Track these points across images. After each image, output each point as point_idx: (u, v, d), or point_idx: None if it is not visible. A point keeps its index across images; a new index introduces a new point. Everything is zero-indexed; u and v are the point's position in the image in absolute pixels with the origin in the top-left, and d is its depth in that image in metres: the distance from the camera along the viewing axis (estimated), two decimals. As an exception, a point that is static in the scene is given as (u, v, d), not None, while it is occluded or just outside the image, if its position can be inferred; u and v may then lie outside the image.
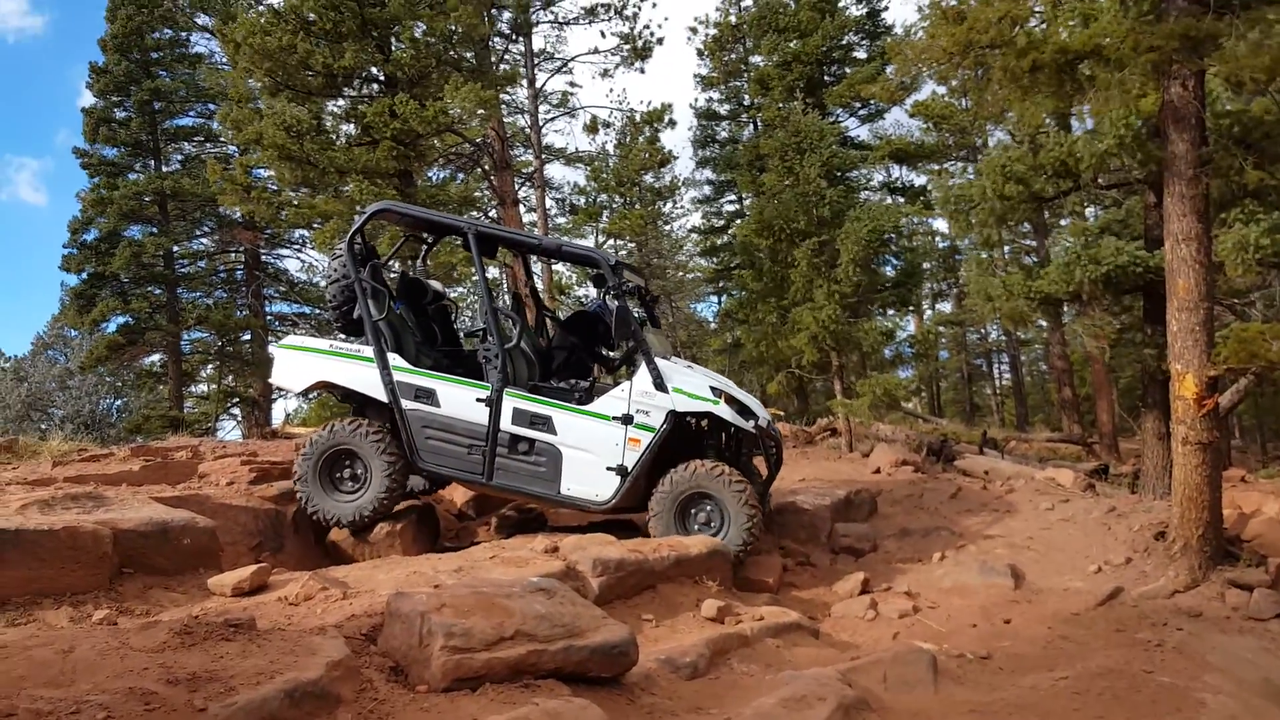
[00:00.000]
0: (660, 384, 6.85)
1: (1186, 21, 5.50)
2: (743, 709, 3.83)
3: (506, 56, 21.82)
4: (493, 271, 25.11)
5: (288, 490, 7.46)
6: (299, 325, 31.45)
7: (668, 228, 31.11)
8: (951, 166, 21.81)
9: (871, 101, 25.38)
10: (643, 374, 6.91)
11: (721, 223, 29.88)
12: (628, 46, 22.21)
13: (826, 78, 24.59)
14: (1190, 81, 5.94)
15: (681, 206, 32.17)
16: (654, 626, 5.18)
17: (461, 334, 8.69)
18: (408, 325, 7.62)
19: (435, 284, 8.64)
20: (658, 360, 6.95)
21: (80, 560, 4.52)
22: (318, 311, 30.97)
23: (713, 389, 6.94)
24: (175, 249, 29.65)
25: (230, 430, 31.98)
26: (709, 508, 6.80)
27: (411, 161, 13.49)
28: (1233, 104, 7.31)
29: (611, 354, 8.68)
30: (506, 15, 20.91)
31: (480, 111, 13.12)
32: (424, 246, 8.99)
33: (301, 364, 7.37)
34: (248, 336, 30.62)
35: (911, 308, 15.09)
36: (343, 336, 7.68)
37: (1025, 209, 11.25)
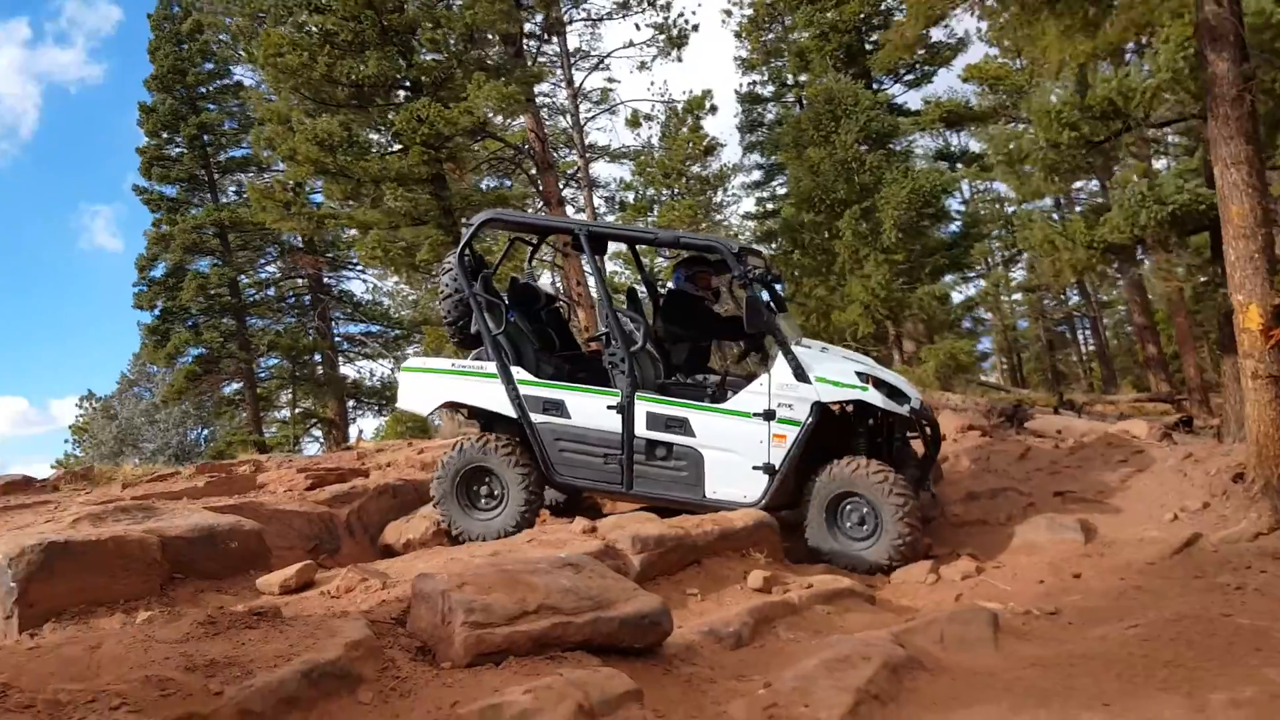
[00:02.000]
0: (801, 374, 6.42)
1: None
2: (783, 673, 3.71)
3: (541, 57, 21.87)
4: (545, 276, 25.15)
5: (340, 494, 7.56)
6: (365, 344, 32.12)
7: (719, 217, 30.83)
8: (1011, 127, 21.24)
9: (918, 65, 24.85)
10: (781, 365, 6.49)
11: (775, 207, 29.50)
12: (663, 37, 22.06)
13: (867, 46, 24.10)
14: (1229, -6, 5.61)
15: (733, 194, 31.87)
16: (699, 600, 5.08)
17: (579, 339, 8.50)
18: (524, 334, 7.44)
19: (546, 287, 8.54)
20: (797, 350, 6.57)
21: (130, 568, 4.60)
22: (384, 329, 31.57)
23: (858, 374, 6.49)
24: (241, 278, 30.51)
25: (313, 450, 32.74)
26: (864, 509, 6.40)
27: (443, 165, 13.57)
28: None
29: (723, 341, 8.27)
30: (539, 17, 20.97)
31: (508, 108, 13.11)
32: (529, 250, 8.88)
33: (426, 386, 7.29)
34: (318, 359, 31.35)
35: (970, 271, 14.66)
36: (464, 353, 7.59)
37: (1078, 155, 10.82)
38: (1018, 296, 36.69)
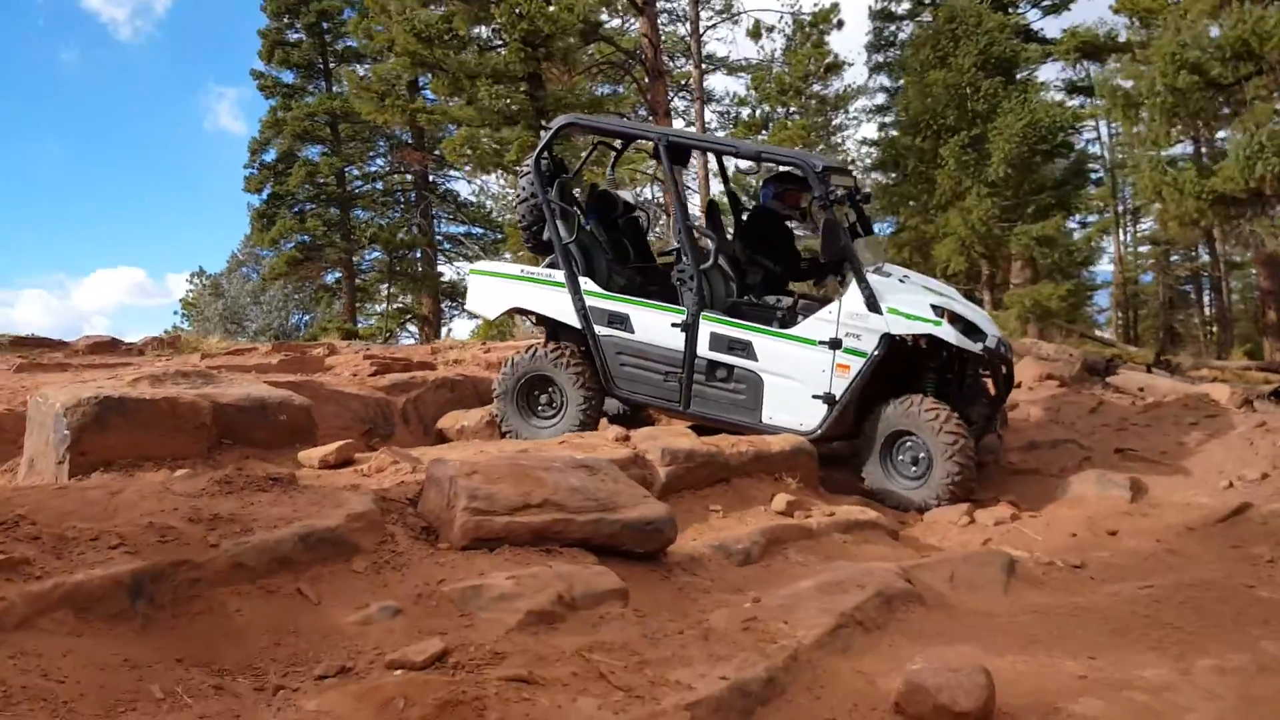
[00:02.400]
0: (873, 304, 6.23)
1: None
2: (777, 590, 3.78)
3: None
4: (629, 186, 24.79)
5: (399, 383, 7.81)
6: (465, 244, 32.57)
7: (835, 139, 29.72)
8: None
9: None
10: (853, 292, 6.31)
11: (897, 133, 28.23)
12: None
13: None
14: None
15: (854, 117, 30.54)
16: (721, 517, 5.15)
17: (655, 250, 8.42)
18: (599, 243, 7.44)
19: (626, 195, 8.47)
20: (870, 276, 6.36)
21: (180, 429, 4.88)
22: (485, 232, 31.91)
23: (934, 307, 6.27)
24: (349, 170, 31.12)
25: (408, 344, 33.79)
26: (918, 448, 6.29)
27: (541, 65, 13.50)
28: None
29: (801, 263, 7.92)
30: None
31: (613, 6, 12.89)
32: (612, 156, 8.81)
33: (494, 290, 7.36)
34: (418, 255, 31.93)
35: (1081, 214, 13.99)
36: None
37: (1200, 98, 10.14)
38: (1145, 249, 34.86)
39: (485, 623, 2.82)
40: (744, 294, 7.29)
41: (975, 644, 3.56)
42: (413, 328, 33.74)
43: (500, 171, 15.19)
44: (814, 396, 6.38)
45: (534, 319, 7.63)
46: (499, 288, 7.37)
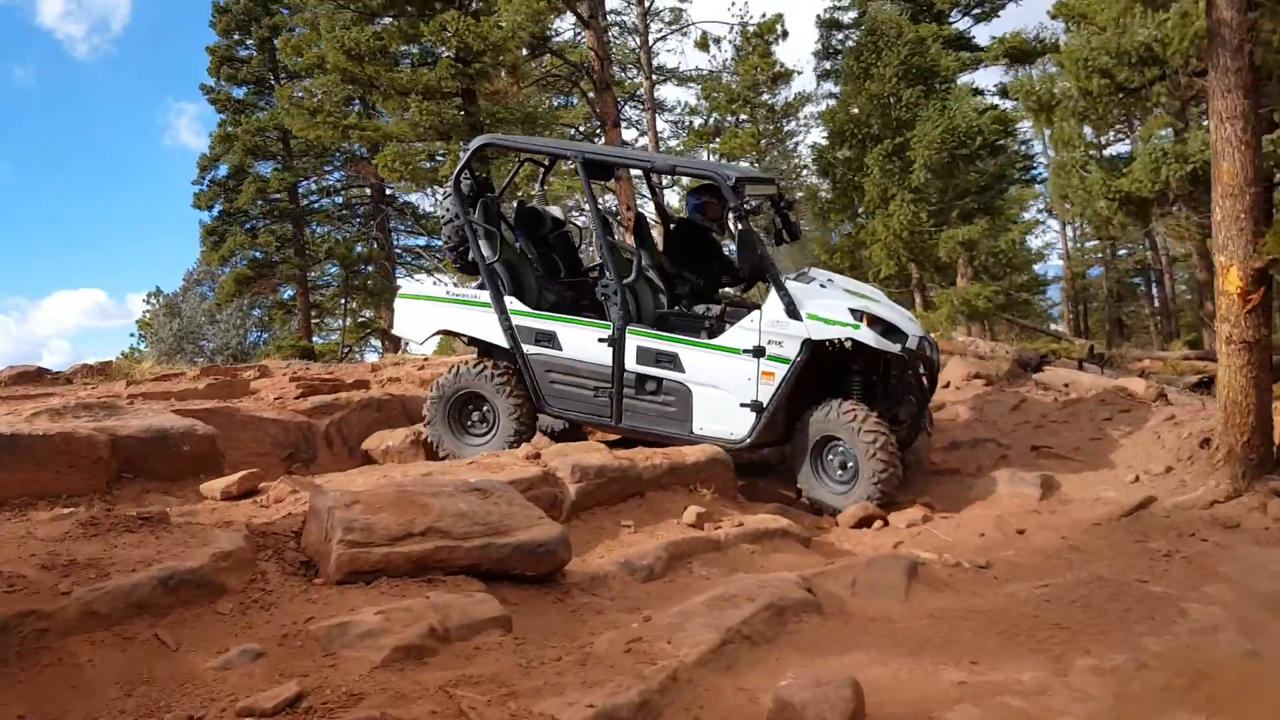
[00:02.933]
0: (793, 311, 6.30)
1: None
2: (670, 608, 3.78)
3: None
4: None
5: (323, 405, 7.72)
6: (424, 256, 32.21)
7: (788, 145, 30.00)
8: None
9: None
10: (773, 300, 6.38)
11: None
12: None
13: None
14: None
15: (804, 123, 30.90)
16: (632, 532, 5.14)
17: (588, 265, 8.40)
18: (528, 260, 7.42)
19: (555, 211, 8.44)
20: (790, 284, 6.45)
21: (76, 465, 4.76)
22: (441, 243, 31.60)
23: (853, 311, 6.34)
24: (305, 185, 30.77)
25: (372, 359, 33.38)
26: (844, 452, 6.34)
27: (475, 80, 13.44)
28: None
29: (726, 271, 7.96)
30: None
31: (539, 24, 12.89)
32: (541, 173, 8.80)
33: (421, 313, 7.33)
34: (372, 269, 31.56)
35: (1003, 216, 14.23)
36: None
37: (1108, 103, 10.36)
38: (1093, 244, 35.61)
39: (349, 661, 2.78)
40: (674, 305, 7.32)
41: (865, 652, 3.58)
42: (377, 342, 33.39)
43: (435, 186, 15.05)
44: (742, 405, 6.42)
45: (466, 340, 7.59)
46: (426, 311, 7.32)
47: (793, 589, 4.06)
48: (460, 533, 3.64)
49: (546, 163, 8.77)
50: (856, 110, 13.66)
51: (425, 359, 12.29)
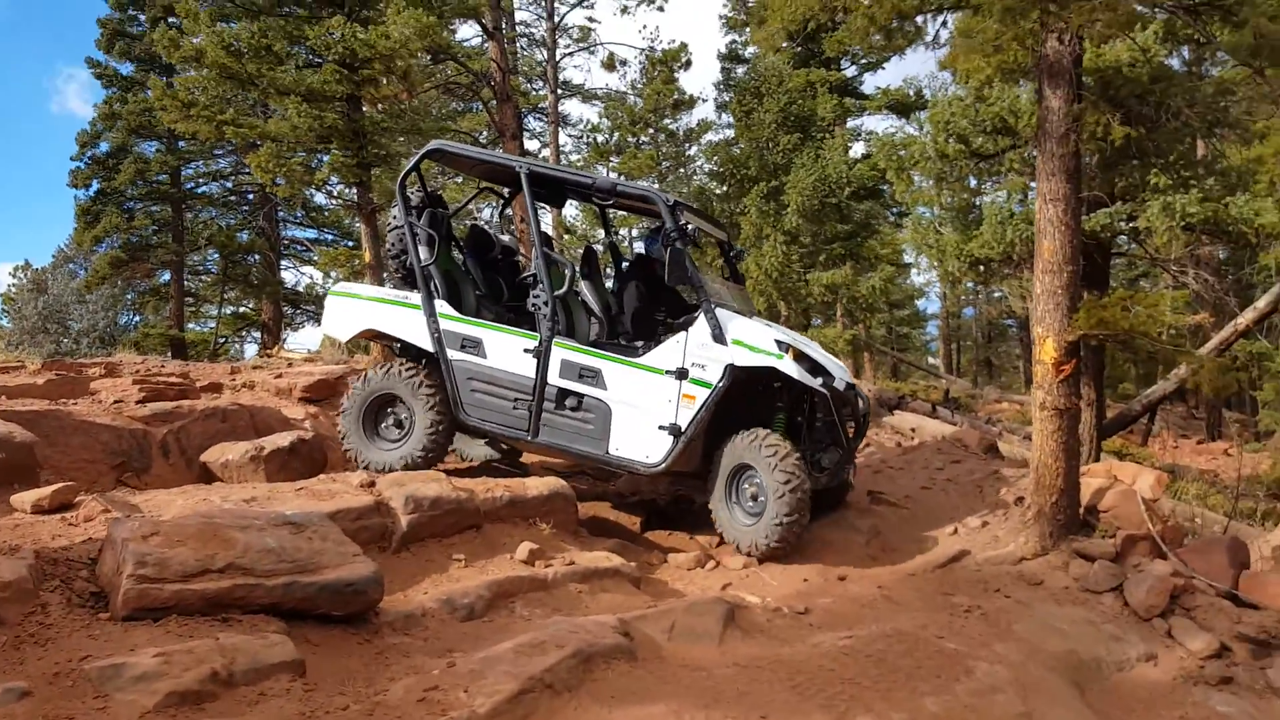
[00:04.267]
0: (719, 335, 6.21)
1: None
2: (477, 653, 3.80)
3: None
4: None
5: (162, 412, 7.42)
6: (312, 249, 31.25)
7: (687, 170, 30.53)
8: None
9: (872, 51, 24.81)
10: (701, 324, 6.29)
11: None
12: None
13: (830, 22, 23.89)
14: (1067, 35, 5.68)
15: (704, 150, 31.52)
16: (463, 566, 5.13)
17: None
18: (470, 277, 7.35)
19: (507, 239, 8.37)
20: (719, 309, 6.32)
21: None
22: (337, 238, 30.76)
23: (779, 341, 6.23)
24: (191, 168, 29.51)
25: (250, 352, 32.13)
26: (758, 484, 6.17)
27: (361, 86, 13.20)
28: (1104, 59, 7.03)
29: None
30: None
31: (427, 38, 12.76)
32: (500, 201, 8.76)
33: (349, 311, 7.14)
34: (255, 259, 30.43)
35: (870, 260, 14.82)
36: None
37: (965, 166, 10.96)
38: (970, 284, 37.27)
39: (119, 705, 2.71)
40: (615, 336, 7.23)
41: (665, 703, 3.68)
42: (257, 334, 32.18)
43: (313, 190, 14.69)
44: (660, 428, 6.30)
45: (398, 345, 7.31)
46: (355, 309, 7.16)
47: (607, 634, 4.13)
48: (264, 570, 3.58)
49: (505, 194, 8.74)
50: (738, 151, 14.04)
51: (289, 363, 11.97)
